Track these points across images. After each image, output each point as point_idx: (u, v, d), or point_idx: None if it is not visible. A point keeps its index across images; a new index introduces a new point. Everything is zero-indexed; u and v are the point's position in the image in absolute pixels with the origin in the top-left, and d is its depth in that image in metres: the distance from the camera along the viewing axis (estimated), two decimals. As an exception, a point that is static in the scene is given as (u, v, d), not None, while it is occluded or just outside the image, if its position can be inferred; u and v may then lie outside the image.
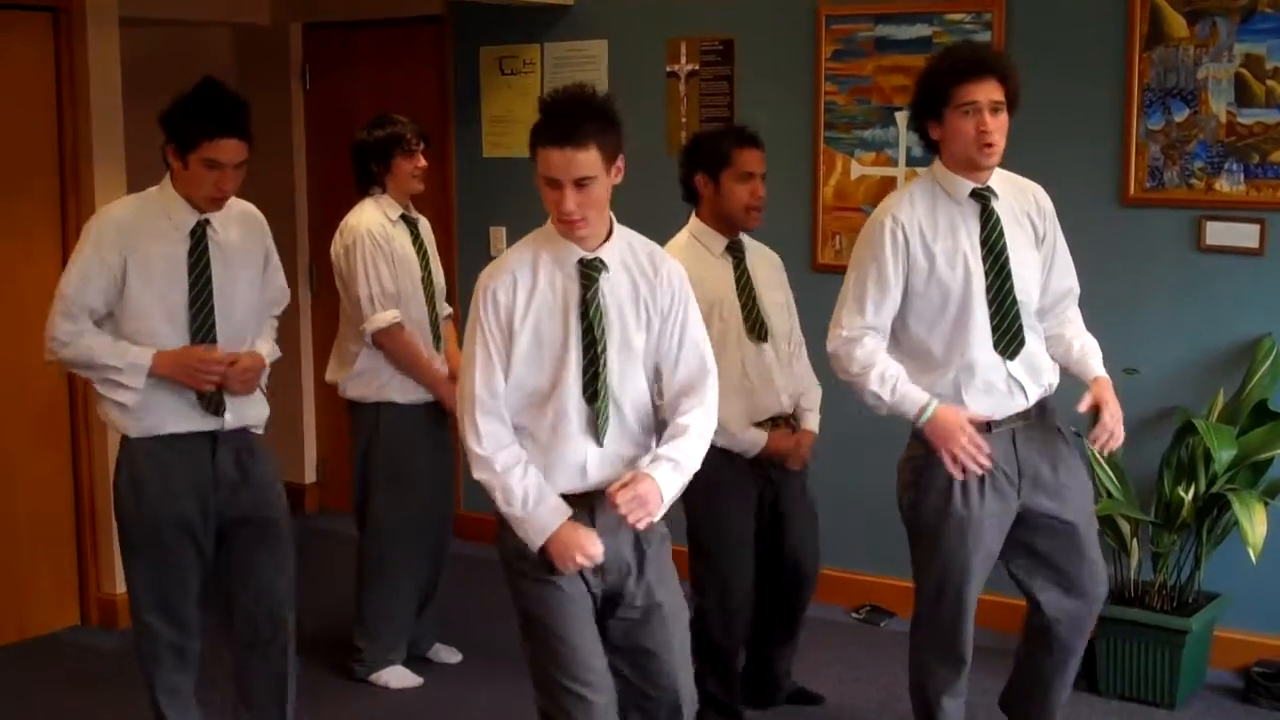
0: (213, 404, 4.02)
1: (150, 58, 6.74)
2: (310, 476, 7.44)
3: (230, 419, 4.06)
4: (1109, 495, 4.89)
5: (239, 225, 4.13)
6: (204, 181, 3.92)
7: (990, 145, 3.77)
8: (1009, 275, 3.83)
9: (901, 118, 5.56)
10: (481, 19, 6.65)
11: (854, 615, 5.78)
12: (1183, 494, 4.84)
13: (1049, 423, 3.98)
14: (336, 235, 5.10)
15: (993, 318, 3.84)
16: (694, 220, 4.61)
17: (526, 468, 3.37)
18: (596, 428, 3.39)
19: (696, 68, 6.10)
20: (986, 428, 3.89)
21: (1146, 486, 4.92)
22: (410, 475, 5.08)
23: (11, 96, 5.53)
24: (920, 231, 3.86)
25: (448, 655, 5.38)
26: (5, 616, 5.62)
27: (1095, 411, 3.90)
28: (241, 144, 3.91)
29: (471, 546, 5.94)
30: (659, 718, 3.56)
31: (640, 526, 3.34)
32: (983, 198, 3.85)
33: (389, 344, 4.99)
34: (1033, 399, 3.91)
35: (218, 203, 3.99)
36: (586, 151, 3.26)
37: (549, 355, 3.39)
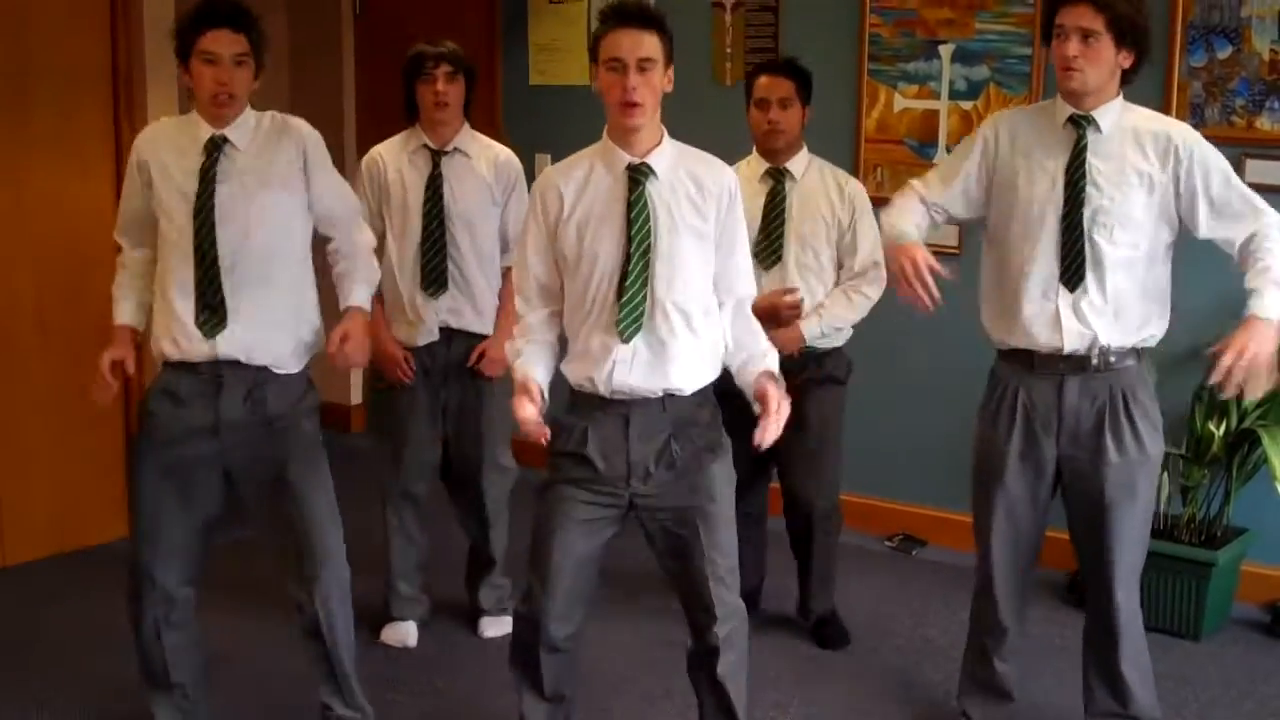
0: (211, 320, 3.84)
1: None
2: (355, 398, 7.52)
3: (227, 346, 3.85)
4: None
5: (266, 141, 3.87)
6: (205, 81, 3.70)
7: (1068, 69, 3.65)
8: (1080, 206, 3.70)
9: (945, 50, 5.58)
10: (530, -55, 6.65)
11: (887, 543, 5.86)
12: (1214, 429, 4.89)
13: (1117, 381, 3.79)
14: None
15: (1061, 245, 3.73)
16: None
17: (530, 350, 3.55)
18: (621, 325, 3.42)
19: (742, -2, 6.13)
20: (1029, 365, 3.84)
21: (1178, 421, 4.93)
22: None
23: (65, 11, 5.58)
24: (1013, 139, 3.83)
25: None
26: (59, 527, 5.77)
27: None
28: (236, 35, 3.70)
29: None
30: (699, 630, 3.59)
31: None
32: (1078, 125, 3.73)
33: None
34: (1083, 346, 3.75)
35: (223, 104, 3.75)
36: (651, 35, 3.39)
37: (589, 256, 3.47)
